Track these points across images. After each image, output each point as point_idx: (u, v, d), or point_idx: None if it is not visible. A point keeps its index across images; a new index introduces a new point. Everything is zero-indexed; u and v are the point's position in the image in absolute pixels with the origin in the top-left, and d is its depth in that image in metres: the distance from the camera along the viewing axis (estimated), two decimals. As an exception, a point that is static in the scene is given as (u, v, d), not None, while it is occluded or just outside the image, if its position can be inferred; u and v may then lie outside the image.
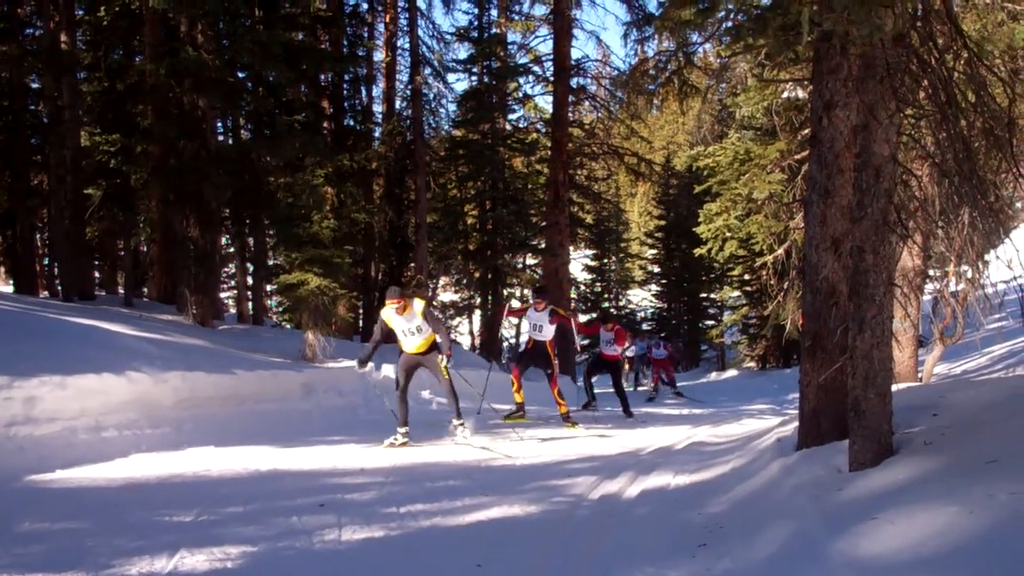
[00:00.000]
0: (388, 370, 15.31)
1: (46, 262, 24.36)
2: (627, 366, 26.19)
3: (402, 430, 10.61)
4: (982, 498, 4.42)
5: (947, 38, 6.14)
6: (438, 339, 10.61)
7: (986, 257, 9.20)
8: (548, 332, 13.34)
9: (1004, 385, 8.59)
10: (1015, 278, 7.28)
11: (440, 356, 10.56)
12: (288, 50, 16.58)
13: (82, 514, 6.24)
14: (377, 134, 26.64)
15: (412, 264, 25.82)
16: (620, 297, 45.41)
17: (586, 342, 29.36)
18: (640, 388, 27.39)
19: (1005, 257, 7.29)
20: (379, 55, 27.89)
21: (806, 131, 11.73)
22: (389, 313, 10.43)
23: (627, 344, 18.23)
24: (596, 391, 18.05)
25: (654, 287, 43.73)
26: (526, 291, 32.75)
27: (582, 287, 42.41)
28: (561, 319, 13.59)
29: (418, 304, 10.43)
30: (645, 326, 40.66)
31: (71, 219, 16.66)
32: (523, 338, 23.66)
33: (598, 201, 33.79)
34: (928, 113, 6.40)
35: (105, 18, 18.95)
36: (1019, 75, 9.00)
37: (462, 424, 11.01)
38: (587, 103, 29.86)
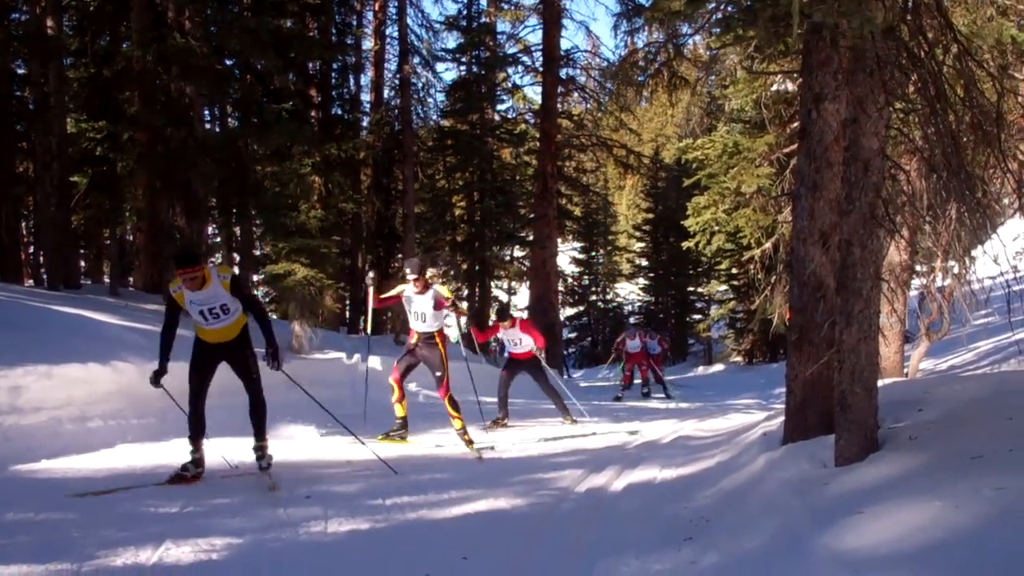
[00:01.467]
0: (375, 361, 15.28)
1: (31, 250, 24.24)
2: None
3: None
4: (967, 493, 4.42)
5: (937, 32, 6.14)
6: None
7: (973, 253, 9.23)
8: (434, 321, 10.28)
9: (990, 381, 8.63)
10: (1001, 274, 7.29)
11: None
12: (277, 38, 16.48)
13: (67, 505, 6.21)
14: (365, 123, 26.54)
15: (399, 255, 25.75)
16: (607, 290, 45.39)
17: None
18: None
19: (992, 253, 7.32)
20: (368, 43, 27.77)
21: (795, 124, 11.76)
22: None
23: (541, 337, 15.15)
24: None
25: (642, 280, 43.74)
26: (514, 283, 32.72)
27: (570, 280, 42.39)
28: (448, 306, 10.23)
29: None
30: (632, 319, 40.70)
31: (56, 207, 16.54)
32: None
33: (586, 193, 33.79)
34: (917, 107, 6.41)
35: (92, 3, 18.79)
36: (1008, 70, 9.02)
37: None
38: (576, 94, 29.84)
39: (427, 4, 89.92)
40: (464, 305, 14.88)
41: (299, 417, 10.37)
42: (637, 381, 22.89)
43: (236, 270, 9.12)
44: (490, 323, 21.44)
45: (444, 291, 10.30)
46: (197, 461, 7.67)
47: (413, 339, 10.43)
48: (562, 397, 13.65)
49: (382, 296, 11.08)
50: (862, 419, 5.90)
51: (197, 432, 7.78)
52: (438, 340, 10.33)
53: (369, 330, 13.11)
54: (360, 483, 7.69)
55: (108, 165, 18.34)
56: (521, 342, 13.19)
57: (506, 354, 14.12)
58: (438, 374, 10.19)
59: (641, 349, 22.71)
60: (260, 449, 8.17)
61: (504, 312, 13.86)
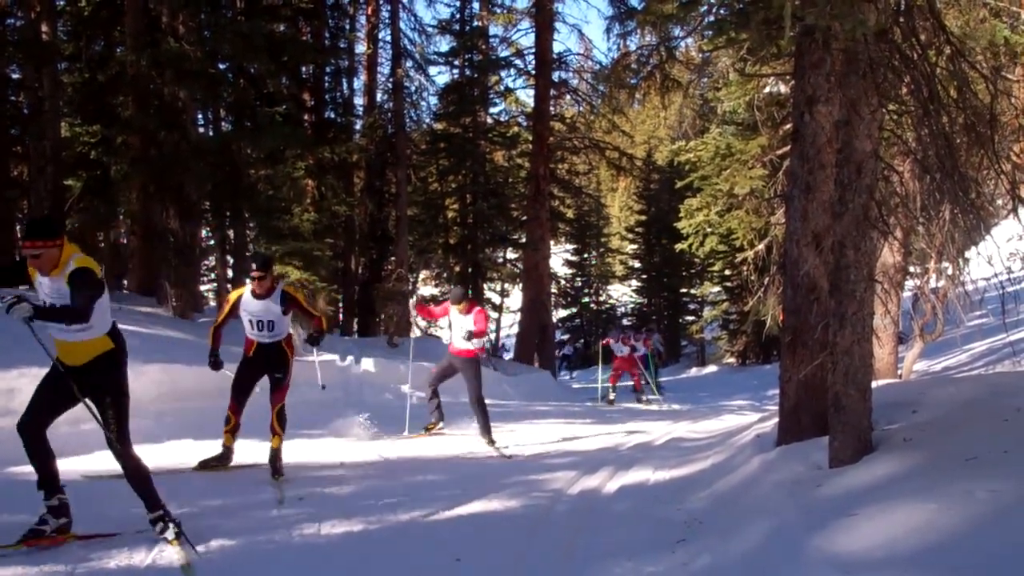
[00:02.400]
0: (368, 363, 15.27)
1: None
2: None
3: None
4: (961, 495, 4.43)
5: (930, 34, 6.15)
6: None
7: (967, 254, 9.24)
8: (282, 326, 8.33)
9: (984, 382, 8.62)
10: (995, 275, 7.30)
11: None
12: (270, 42, 16.49)
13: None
14: (358, 127, 26.56)
15: (392, 257, 25.75)
16: (600, 292, 45.37)
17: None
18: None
19: (986, 254, 7.33)
20: (361, 47, 27.81)
21: (788, 126, 11.77)
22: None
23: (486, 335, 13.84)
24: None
25: (635, 282, 43.71)
26: (507, 285, 32.71)
27: (563, 282, 42.37)
28: (298, 307, 8.28)
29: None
30: (626, 321, 40.66)
31: (51, 210, 16.49)
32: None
33: (579, 195, 33.78)
34: (910, 109, 6.42)
35: (86, 8, 18.78)
36: (1001, 72, 9.04)
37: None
38: (569, 97, 29.83)
39: (420, 8, 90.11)
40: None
41: (290, 417, 10.36)
42: (628, 383, 22.21)
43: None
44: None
45: (295, 293, 8.58)
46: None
47: (250, 350, 8.43)
48: (488, 416, 10.81)
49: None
50: (856, 421, 5.90)
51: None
52: (286, 350, 8.32)
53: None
54: (353, 485, 7.68)
55: (102, 169, 18.32)
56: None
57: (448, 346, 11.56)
58: (279, 375, 8.24)
59: (629, 354, 21.65)
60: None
61: (461, 293, 11.13)
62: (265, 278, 7.96)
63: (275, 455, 8.01)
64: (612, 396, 21.11)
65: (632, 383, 22.15)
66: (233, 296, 8.33)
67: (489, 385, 13.10)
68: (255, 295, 8.03)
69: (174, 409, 10.11)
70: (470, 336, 10.45)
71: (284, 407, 8.15)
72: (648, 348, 23.35)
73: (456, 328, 10.78)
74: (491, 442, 10.46)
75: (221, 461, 8.16)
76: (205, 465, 8.04)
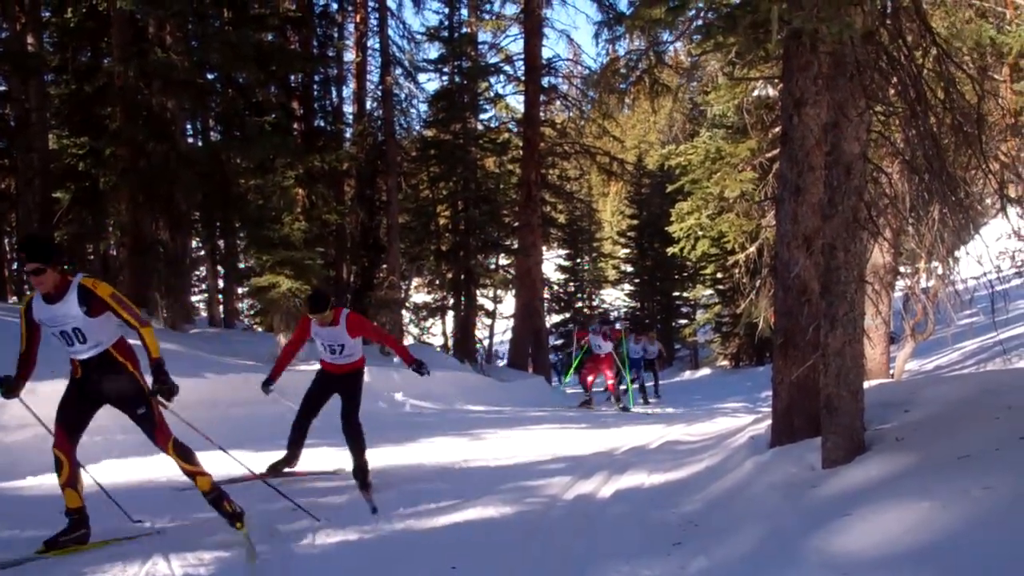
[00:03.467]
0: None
1: (14, 267, 24.12)
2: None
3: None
4: (955, 493, 4.44)
5: (916, 35, 6.18)
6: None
7: (956, 253, 9.26)
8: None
9: (975, 381, 8.65)
10: (985, 274, 7.33)
11: None
12: (258, 51, 16.48)
13: (53, 521, 6.16)
14: (348, 135, 26.49)
15: (384, 265, 25.71)
16: (593, 296, 45.39)
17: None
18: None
19: (975, 253, 7.35)
20: (349, 55, 27.75)
21: (777, 129, 11.79)
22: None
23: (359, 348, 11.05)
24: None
25: (627, 286, 43.75)
26: (499, 291, 32.69)
27: (555, 287, 42.37)
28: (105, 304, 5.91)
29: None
30: (618, 325, 40.65)
31: (39, 223, 16.47)
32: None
33: (571, 201, 33.83)
34: (898, 110, 6.44)
35: (72, 20, 18.74)
36: (988, 72, 9.08)
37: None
38: (559, 102, 29.90)
39: (408, 15, 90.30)
40: None
41: (282, 427, 10.33)
42: (600, 390, 20.59)
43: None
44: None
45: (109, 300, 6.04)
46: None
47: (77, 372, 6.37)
48: (365, 448, 8.17)
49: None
50: (848, 421, 5.92)
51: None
52: (126, 367, 6.21)
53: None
54: (348, 494, 7.67)
55: (90, 180, 18.27)
56: (342, 349, 8.19)
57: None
58: (141, 411, 6.22)
59: (609, 354, 19.50)
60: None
61: (319, 299, 8.04)
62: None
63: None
64: (588, 398, 19.32)
65: (606, 386, 20.12)
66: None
67: (484, 392, 13.11)
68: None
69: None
70: (341, 349, 8.20)
71: (174, 442, 6.30)
72: (614, 340, 20.40)
73: (326, 347, 8.24)
74: (364, 485, 7.90)
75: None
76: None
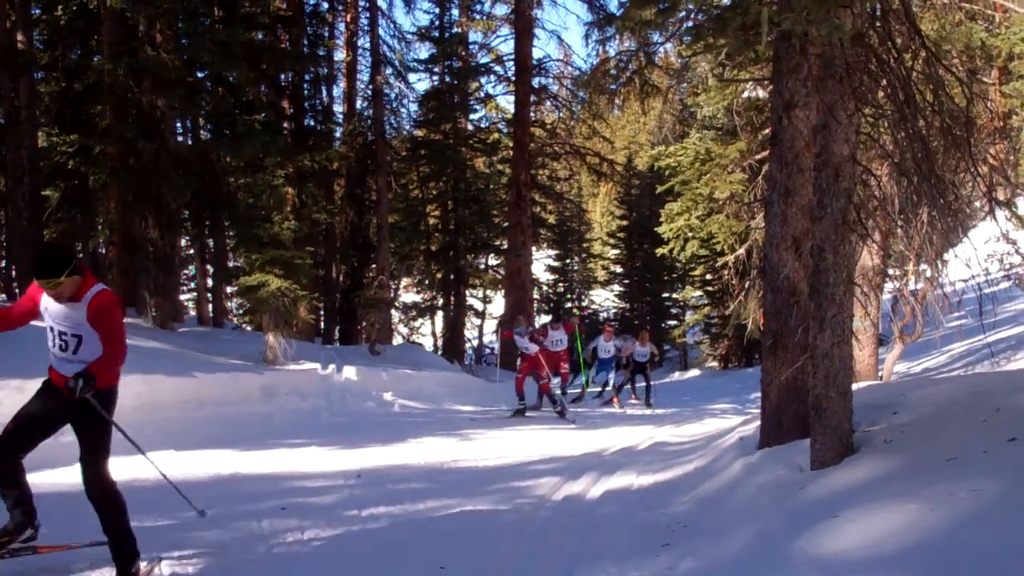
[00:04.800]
0: (350, 372, 15.26)
1: (3, 265, 24.05)
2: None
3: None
4: (943, 495, 4.45)
5: (905, 38, 6.19)
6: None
7: (945, 256, 9.29)
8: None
9: (964, 383, 8.67)
10: (973, 277, 7.35)
11: None
12: (248, 49, 16.47)
13: (43, 520, 6.14)
14: (338, 134, 26.52)
15: (374, 265, 25.70)
16: (583, 297, 45.40)
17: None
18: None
19: (964, 256, 7.37)
20: (340, 55, 27.80)
21: (766, 131, 11.81)
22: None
23: None
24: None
25: (617, 287, 43.74)
26: (489, 291, 32.70)
27: (545, 287, 42.37)
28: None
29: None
30: (602, 315, 40.70)
31: (29, 221, 16.39)
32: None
33: (560, 201, 33.86)
34: (887, 113, 6.45)
35: (62, 17, 18.67)
36: (977, 75, 9.11)
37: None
38: (549, 103, 29.94)
39: (399, 15, 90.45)
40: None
41: (271, 426, 10.34)
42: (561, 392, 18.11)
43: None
44: None
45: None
46: None
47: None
48: (124, 515, 5.27)
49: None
50: (837, 423, 5.93)
51: None
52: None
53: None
54: (336, 494, 7.65)
55: (80, 179, 18.23)
56: (78, 345, 5.17)
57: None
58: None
59: (564, 349, 17.86)
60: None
61: (51, 259, 4.93)
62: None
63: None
64: (522, 407, 15.83)
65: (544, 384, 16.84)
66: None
67: (474, 392, 13.08)
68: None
69: (154, 420, 10.05)
70: (76, 345, 5.19)
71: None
72: (570, 330, 18.85)
73: (56, 326, 5.24)
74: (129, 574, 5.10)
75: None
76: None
